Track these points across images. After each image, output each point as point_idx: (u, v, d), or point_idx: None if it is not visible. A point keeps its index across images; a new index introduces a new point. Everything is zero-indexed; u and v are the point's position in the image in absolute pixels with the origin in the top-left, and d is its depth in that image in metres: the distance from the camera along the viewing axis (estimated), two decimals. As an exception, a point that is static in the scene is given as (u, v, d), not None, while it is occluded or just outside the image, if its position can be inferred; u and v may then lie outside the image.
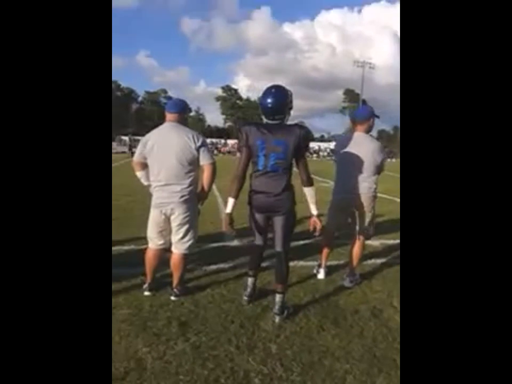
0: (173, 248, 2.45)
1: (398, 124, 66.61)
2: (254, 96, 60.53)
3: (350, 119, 2.83)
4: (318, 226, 2.13)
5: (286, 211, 2.12)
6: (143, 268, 2.51)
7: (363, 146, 2.63)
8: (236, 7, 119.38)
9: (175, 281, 2.44)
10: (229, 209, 2.10)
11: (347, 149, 2.66)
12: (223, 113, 63.86)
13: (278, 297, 2.20)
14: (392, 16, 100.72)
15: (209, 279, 2.79)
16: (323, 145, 42.52)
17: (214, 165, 2.40)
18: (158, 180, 2.34)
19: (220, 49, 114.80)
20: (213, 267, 3.03)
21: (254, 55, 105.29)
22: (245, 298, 2.39)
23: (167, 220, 2.39)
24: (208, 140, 35.44)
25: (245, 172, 2.13)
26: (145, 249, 2.54)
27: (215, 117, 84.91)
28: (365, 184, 2.62)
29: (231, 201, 2.11)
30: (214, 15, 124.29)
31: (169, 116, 2.40)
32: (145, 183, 2.49)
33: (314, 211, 2.13)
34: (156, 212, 2.38)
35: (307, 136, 2.10)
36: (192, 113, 66.09)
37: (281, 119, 2.10)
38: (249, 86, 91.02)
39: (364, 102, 44.54)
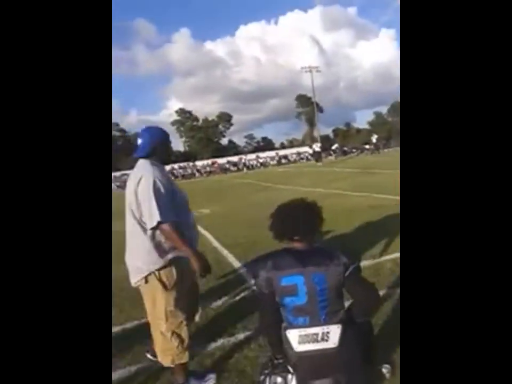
0: None
1: (349, 120, 74.68)
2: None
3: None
4: None
5: None
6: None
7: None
8: (154, 32, 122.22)
9: None
10: None
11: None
12: (182, 136, 66.85)
13: None
14: (307, 22, 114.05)
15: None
16: (290, 151, 46.15)
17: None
18: None
19: (146, 76, 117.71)
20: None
21: (182, 77, 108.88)
22: None
23: None
24: (176, 165, 39.55)
25: None
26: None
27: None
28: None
29: None
30: (133, 42, 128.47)
31: None
32: None
33: None
34: None
35: None
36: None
37: None
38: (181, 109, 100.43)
39: (318, 105, 56.84)
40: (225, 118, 68.22)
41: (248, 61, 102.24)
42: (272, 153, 44.01)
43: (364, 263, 3.74)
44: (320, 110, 61.66)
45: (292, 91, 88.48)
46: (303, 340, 1.65)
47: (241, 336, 2.87)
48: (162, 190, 2.03)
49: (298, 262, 1.63)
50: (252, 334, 2.85)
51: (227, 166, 39.00)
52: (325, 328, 1.63)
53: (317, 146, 26.28)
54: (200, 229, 7.15)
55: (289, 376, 1.76)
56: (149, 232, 2.06)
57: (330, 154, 32.15)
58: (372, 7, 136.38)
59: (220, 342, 2.80)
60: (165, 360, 2.20)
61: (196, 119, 67.23)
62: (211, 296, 3.62)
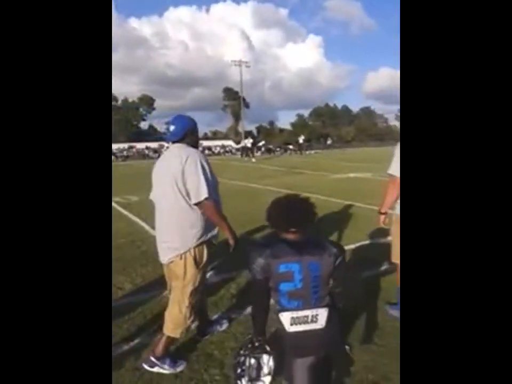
0: None
1: (273, 118, 76.68)
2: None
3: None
4: None
5: None
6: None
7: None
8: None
9: None
10: None
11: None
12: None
13: None
14: (239, 15, 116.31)
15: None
16: (214, 143, 44.57)
17: None
18: None
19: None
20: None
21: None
22: None
23: None
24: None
25: None
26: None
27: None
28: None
29: None
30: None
31: None
32: None
33: None
34: None
35: None
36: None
37: None
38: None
39: (244, 100, 55.87)
40: (148, 101, 65.20)
41: (174, 45, 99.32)
42: (195, 143, 43.16)
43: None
44: (247, 105, 62.53)
45: (218, 82, 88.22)
46: (295, 321, 1.83)
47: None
48: (207, 170, 2.25)
49: (295, 251, 1.81)
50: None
51: (146, 152, 37.37)
52: (314, 311, 1.82)
53: (248, 142, 26.74)
54: (132, 216, 6.94)
55: (266, 357, 1.93)
56: (194, 208, 2.25)
57: (256, 151, 32.87)
58: (302, 11, 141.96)
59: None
60: (176, 332, 2.36)
61: (115, 98, 62.60)
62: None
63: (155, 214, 2.45)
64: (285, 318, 1.84)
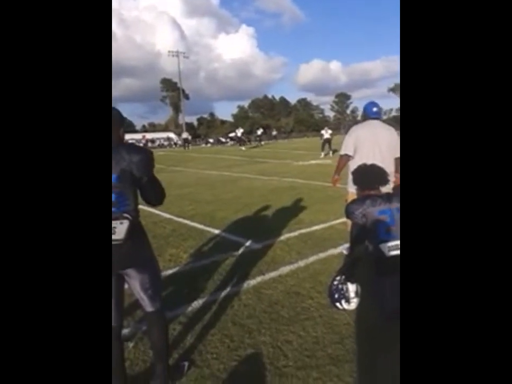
0: None
1: (210, 110, 78.61)
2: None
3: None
4: None
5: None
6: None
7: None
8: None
9: None
10: None
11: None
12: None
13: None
14: (168, 3, 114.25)
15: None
16: (157, 135, 46.95)
17: None
18: None
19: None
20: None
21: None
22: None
23: None
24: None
25: None
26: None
27: None
28: None
29: None
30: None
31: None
32: None
33: None
34: None
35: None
36: None
37: None
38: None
39: (184, 91, 54.71)
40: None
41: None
42: (137, 136, 42.40)
43: (303, 231, 4.96)
44: (186, 96, 61.80)
45: (149, 73, 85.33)
46: (391, 248, 2.60)
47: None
48: None
49: (385, 201, 2.60)
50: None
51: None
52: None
53: (239, 132, 29.47)
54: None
55: (355, 284, 2.68)
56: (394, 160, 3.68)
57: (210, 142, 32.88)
58: (233, 0, 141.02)
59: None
60: None
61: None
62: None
63: (355, 161, 3.53)
64: (385, 246, 2.61)
